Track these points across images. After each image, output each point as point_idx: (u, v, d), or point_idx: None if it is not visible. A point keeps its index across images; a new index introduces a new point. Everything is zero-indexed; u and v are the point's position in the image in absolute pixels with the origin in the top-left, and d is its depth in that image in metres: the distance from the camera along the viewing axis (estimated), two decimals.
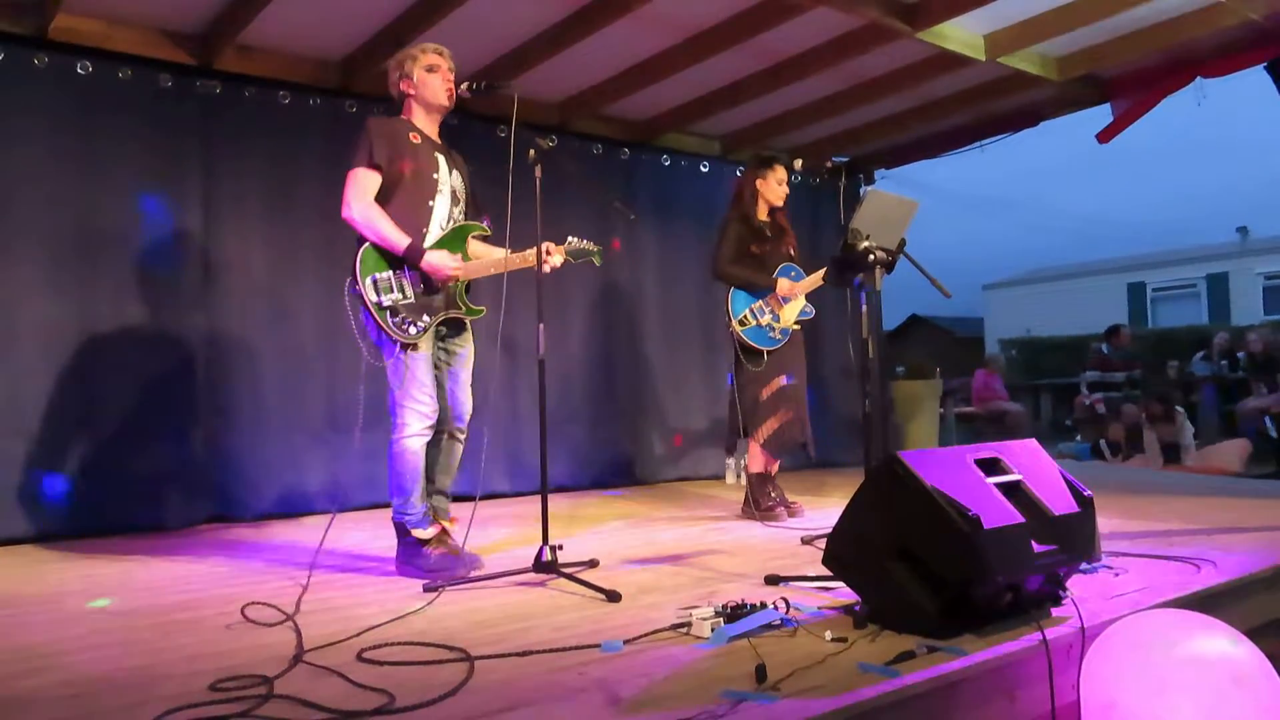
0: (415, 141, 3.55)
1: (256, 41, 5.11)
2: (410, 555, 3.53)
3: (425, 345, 3.51)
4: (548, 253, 3.50)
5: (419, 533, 3.52)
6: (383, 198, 3.48)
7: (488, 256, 3.64)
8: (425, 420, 3.51)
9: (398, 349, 3.45)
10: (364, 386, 3.57)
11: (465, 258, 3.57)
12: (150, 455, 4.90)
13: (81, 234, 4.80)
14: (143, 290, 4.96)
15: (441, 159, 3.62)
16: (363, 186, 3.45)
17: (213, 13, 4.83)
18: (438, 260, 3.45)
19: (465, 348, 3.69)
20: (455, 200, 3.64)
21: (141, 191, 4.97)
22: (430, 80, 3.57)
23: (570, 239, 3.60)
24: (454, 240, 3.57)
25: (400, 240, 3.42)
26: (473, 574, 3.41)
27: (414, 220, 3.48)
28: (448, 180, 3.61)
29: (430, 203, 3.53)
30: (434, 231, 3.54)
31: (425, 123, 3.65)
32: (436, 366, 3.62)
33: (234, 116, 5.25)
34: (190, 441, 5.04)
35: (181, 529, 4.88)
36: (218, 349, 5.16)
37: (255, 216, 5.30)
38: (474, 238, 3.66)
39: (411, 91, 3.61)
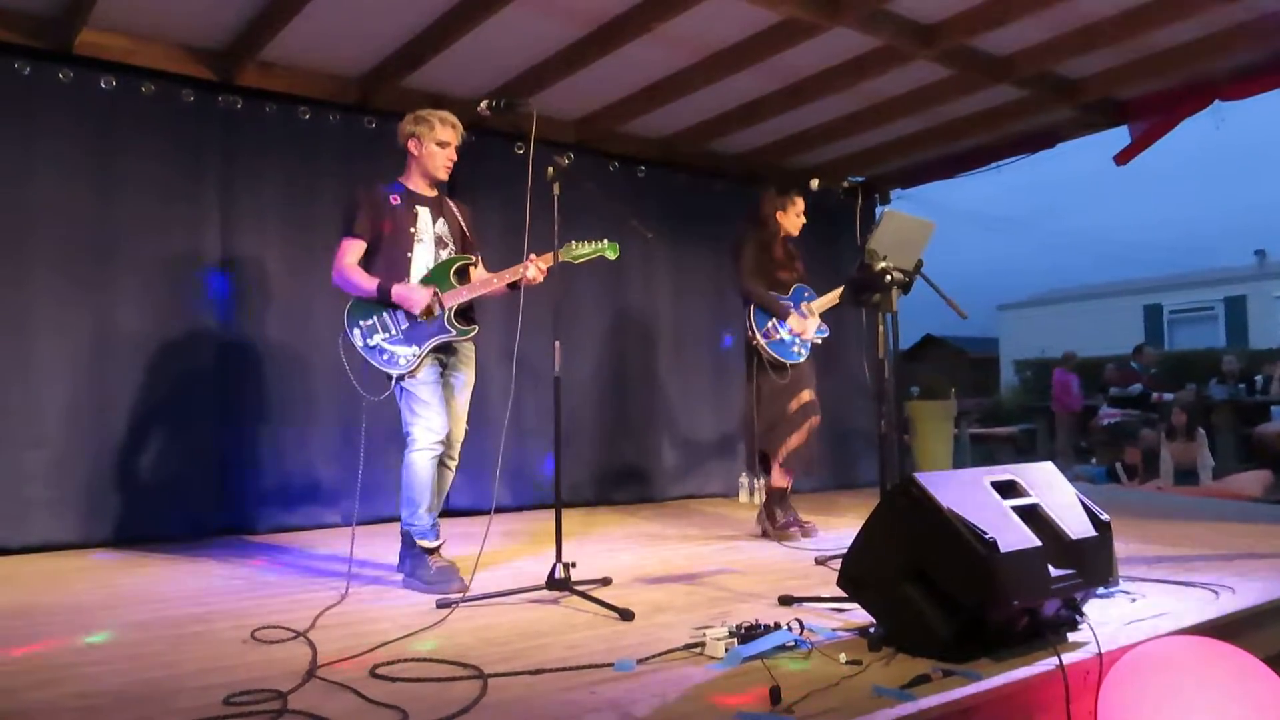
0: (395, 204, 3.74)
1: (278, 58, 5.17)
2: (414, 565, 3.66)
3: (424, 371, 3.65)
4: (529, 263, 3.62)
5: (424, 543, 3.64)
6: (370, 255, 3.72)
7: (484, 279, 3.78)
8: (435, 436, 3.65)
9: (393, 382, 3.66)
10: (365, 425, 3.73)
11: (450, 287, 3.68)
12: (167, 468, 4.93)
13: (102, 247, 4.85)
14: (161, 303, 5.00)
15: (424, 211, 3.78)
16: (343, 253, 3.70)
17: (235, 29, 4.88)
18: (404, 291, 3.61)
19: (461, 374, 3.82)
20: (441, 245, 3.79)
21: (162, 205, 5.01)
22: (436, 155, 3.75)
23: (571, 242, 3.69)
24: (437, 276, 3.70)
25: (370, 283, 3.63)
26: (469, 591, 3.43)
27: (395, 272, 3.68)
28: (429, 230, 3.77)
29: (408, 254, 3.71)
30: (418, 276, 3.70)
31: (418, 183, 3.80)
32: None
33: (254, 132, 5.30)
34: (207, 454, 5.07)
35: (196, 540, 4.89)
36: (234, 363, 5.19)
37: (273, 231, 5.34)
38: (473, 267, 3.83)
39: (415, 153, 3.77)
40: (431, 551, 3.64)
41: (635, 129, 6.47)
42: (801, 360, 4.87)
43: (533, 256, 3.62)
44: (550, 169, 3.49)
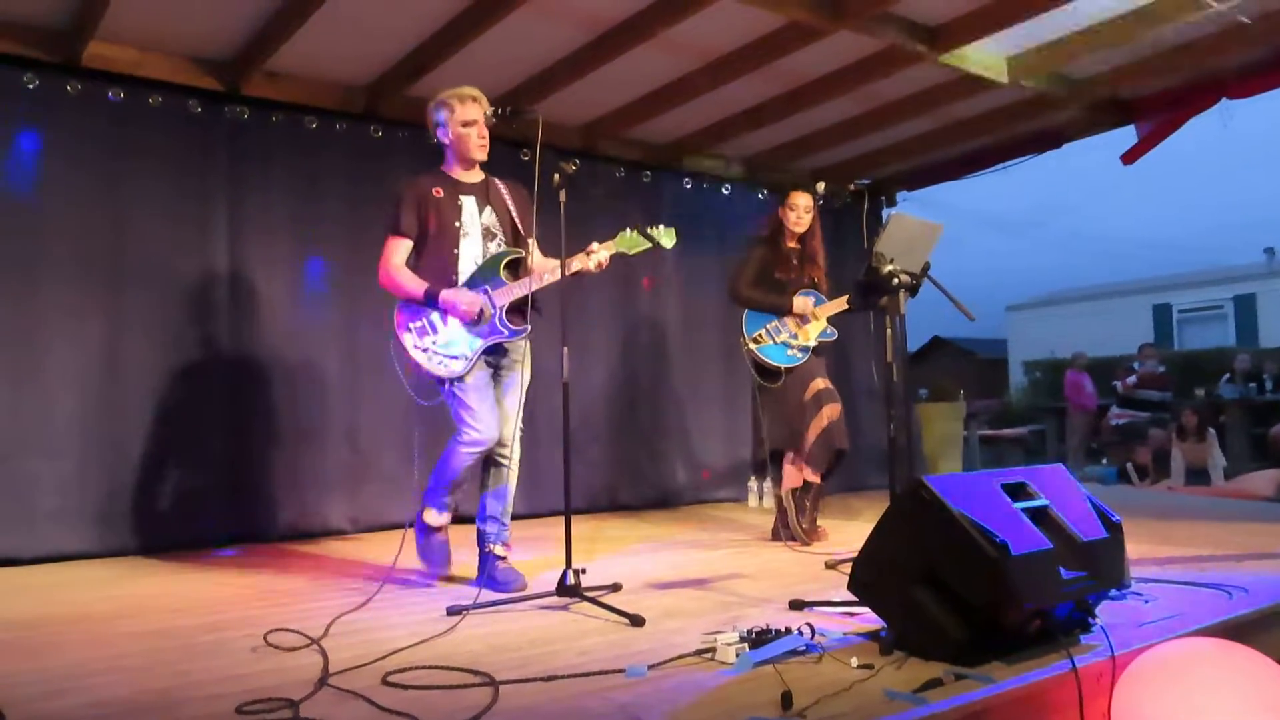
0: (438, 196, 3.68)
1: (284, 68, 5.18)
2: (419, 535, 3.81)
3: (474, 374, 3.62)
4: (590, 251, 3.62)
5: (429, 516, 3.74)
6: (417, 252, 3.71)
7: (538, 270, 3.70)
8: (483, 436, 3.63)
9: (447, 385, 3.61)
10: (416, 430, 3.85)
11: (501, 283, 3.65)
12: (177, 477, 4.95)
13: (111, 257, 4.87)
14: (170, 313, 5.02)
15: (469, 202, 3.71)
16: (390, 253, 3.68)
17: (242, 40, 4.90)
18: (452, 296, 3.57)
19: (513, 374, 3.76)
20: (490, 236, 3.73)
21: (170, 216, 5.04)
22: (467, 135, 3.68)
23: (625, 230, 3.71)
24: (486, 272, 3.66)
25: (418, 288, 3.61)
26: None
27: (443, 269, 3.65)
28: (475, 222, 3.71)
29: (455, 250, 3.66)
30: (466, 271, 3.65)
31: (461, 170, 3.76)
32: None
33: (261, 141, 5.32)
34: (217, 463, 5.08)
35: (207, 549, 4.90)
36: (243, 371, 5.21)
37: (281, 240, 5.36)
38: (527, 258, 3.77)
39: (448, 143, 3.72)
40: (435, 529, 3.73)
41: (641, 134, 6.47)
42: (798, 363, 4.78)
43: (594, 246, 3.62)
44: (556, 175, 3.48)
